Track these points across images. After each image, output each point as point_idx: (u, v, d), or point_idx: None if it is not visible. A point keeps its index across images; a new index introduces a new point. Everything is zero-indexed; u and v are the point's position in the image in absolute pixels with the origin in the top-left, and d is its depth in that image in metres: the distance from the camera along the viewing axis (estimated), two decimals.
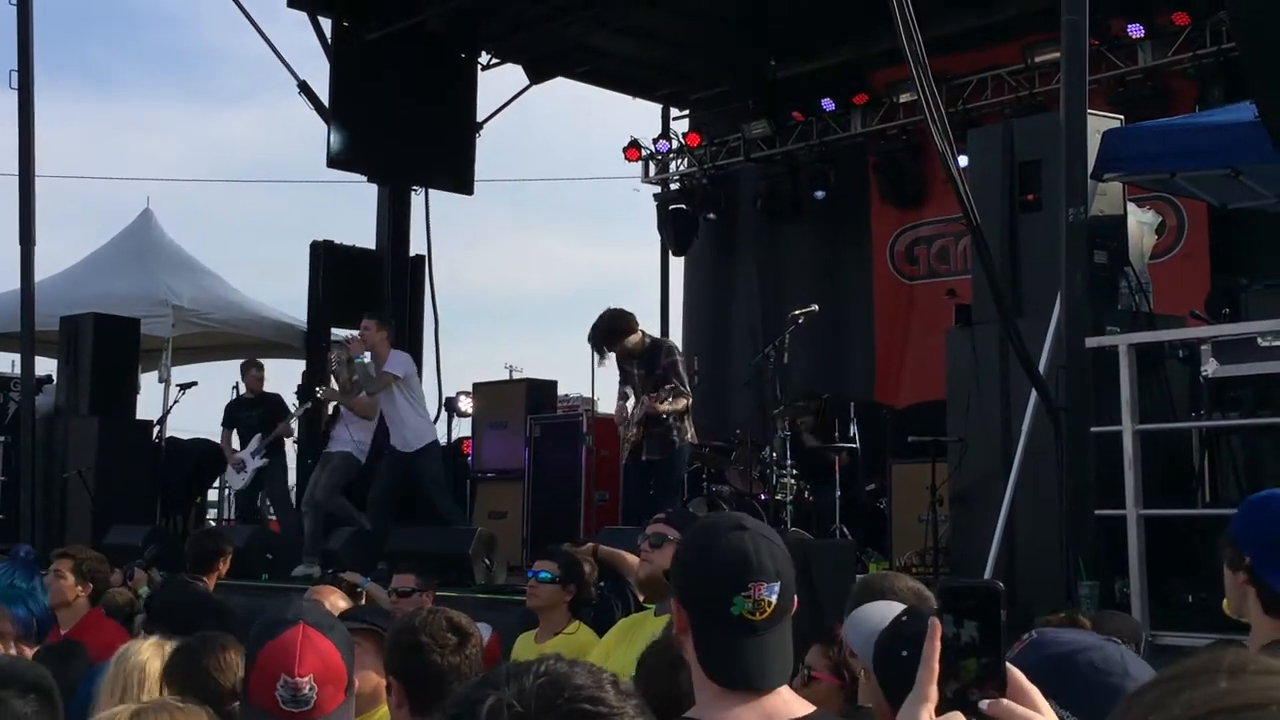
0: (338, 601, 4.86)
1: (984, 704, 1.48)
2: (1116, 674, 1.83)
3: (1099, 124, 7.20)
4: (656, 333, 16.89)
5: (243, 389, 12.30)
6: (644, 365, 8.93)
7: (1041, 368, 6.83)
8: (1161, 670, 1.14)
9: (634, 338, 8.97)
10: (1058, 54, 7.56)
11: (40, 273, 12.33)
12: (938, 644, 1.50)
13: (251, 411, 12.01)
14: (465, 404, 13.76)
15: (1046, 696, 1.52)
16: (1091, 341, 6.65)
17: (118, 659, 3.35)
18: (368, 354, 10.80)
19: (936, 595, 1.62)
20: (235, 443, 12.05)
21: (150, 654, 3.31)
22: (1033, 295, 7.31)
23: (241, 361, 12.76)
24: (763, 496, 10.17)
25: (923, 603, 3.05)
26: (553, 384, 13.63)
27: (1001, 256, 7.34)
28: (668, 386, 8.65)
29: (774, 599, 2.17)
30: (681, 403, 8.77)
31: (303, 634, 2.53)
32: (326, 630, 2.58)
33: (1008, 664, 1.51)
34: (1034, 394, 6.83)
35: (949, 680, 1.50)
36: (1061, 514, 6.61)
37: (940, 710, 1.49)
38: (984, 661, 1.50)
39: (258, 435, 11.78)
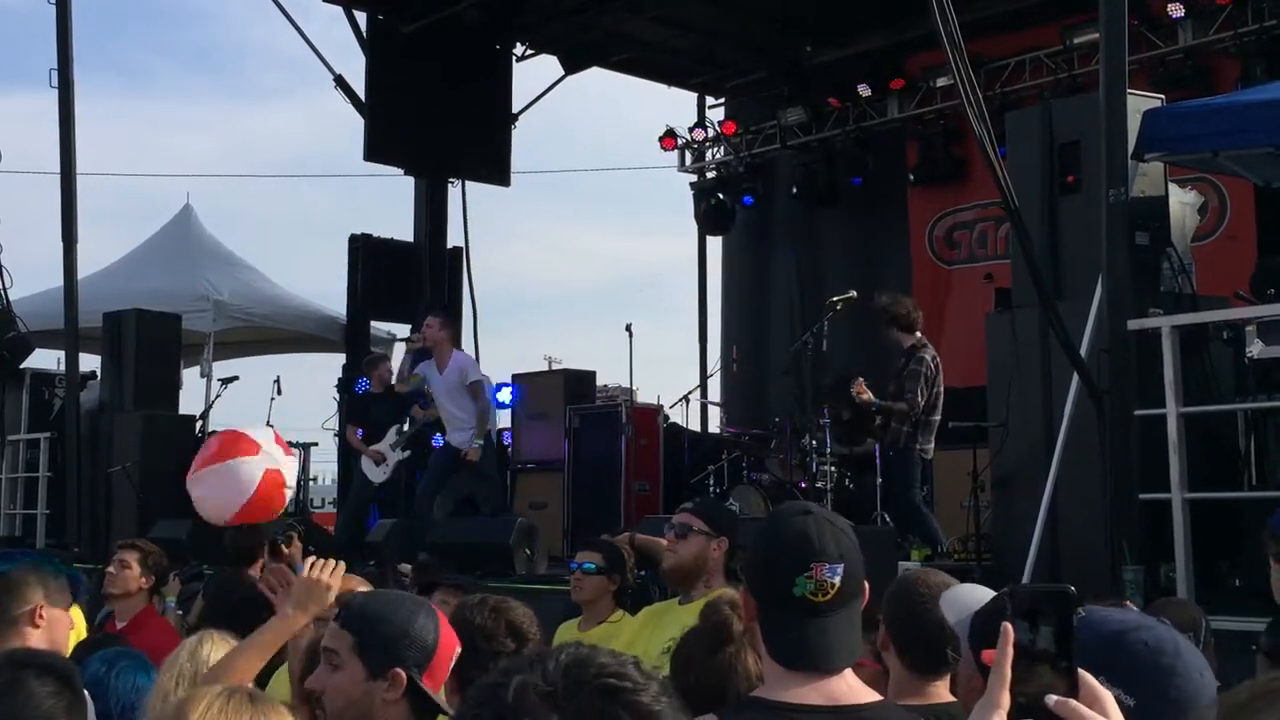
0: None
1: (1051, 700, 1.46)
2: (1169, 654, 1.81)
3: (1139, 104, 7.11)
4: (695, 322, 17.00)
5: (371, 385, 12.26)
6: (902, 358, 9.22)
7: (1083, 351, 6.77)
8: (1238, 691, 1.11)
9: (903, 335, 9.20)
10: (1096, 35, 7.48)
11: (82, 270, 12.46)
12: (1010, 650, 1.49)
13: (383, 405, 12.03)
14: (505, 395, 13.78)
15: (1096, 672, 1.50)
16: (1134, 324, 6.58)
17: (190, 653, 3.34)
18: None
19: (1008, 598, 1.60)
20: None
21: (222, 649, 3.31)
22: (1073, 278, 7.23)
23: (366, 358, 12.85)
24: (803, 484, 10.13)
25: None
26: (591, 374, 13.62)
27: (1041, 239, 7.28)
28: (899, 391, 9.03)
29: (837, 581, 2.18)
30: (898, 407, 8.99)
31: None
32: None
33: (1080, 670, 1.49)
34: (1075, 378, 6.77)
35: (1022, 685, 1.48)
36: (1105, 498, 6.55)
37: (1013, 717, 1.47)
38: (1058, 667, 1.48)
39: (394, 428, 11.79)
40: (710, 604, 3.51)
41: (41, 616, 3.40)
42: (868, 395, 9.08)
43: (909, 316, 9.24)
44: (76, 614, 4.34)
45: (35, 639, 3.38)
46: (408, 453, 11.70)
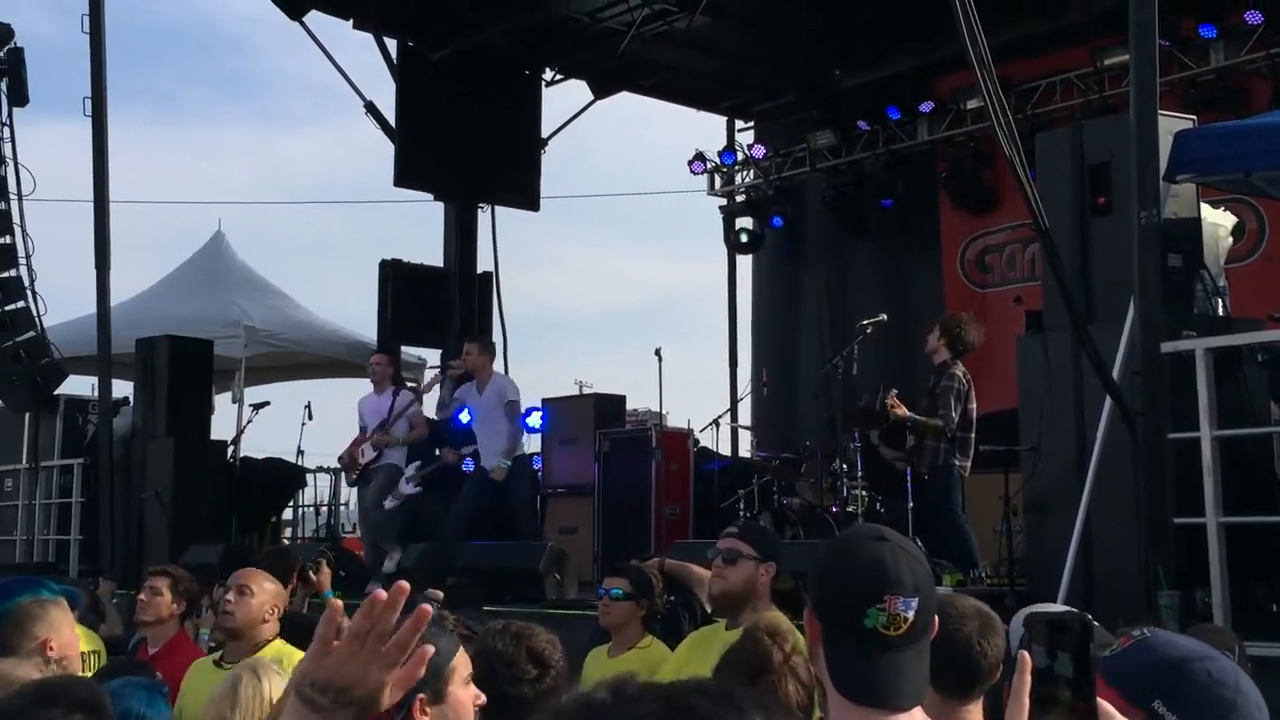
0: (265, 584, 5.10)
1: None
2: (1230, 687, 1.79)
3: (1170, 125, 7.07)
4: (725, 346, 16.99)
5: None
6: (933, 376, 9.21)
7: (1115, 374, 6.71)
8: None
9: (937, 352, 9.17)
10: (1127, 56, 7.44)
11: (115, 296, 12.56)
12: (1028, 678, 1.46)
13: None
14: (535, 420, 13.79)
15: (1154, 696, 1.49)
16: (1167, 346, 6.53)
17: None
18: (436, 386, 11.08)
19: (1025, 626, 1.58)
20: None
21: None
22: (1105, 300, 7.18)
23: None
24: (834, 508, 10.08)
25: (985, 620, 2.99)
26: (621, 399, 13.62)
27: (1073, 261, 7.23)
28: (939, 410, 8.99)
29: (910, 615, 2.06)
30: (932, 423, 8.96)
31: None
32: (432, 639, 2.58)
33: (1100, 700, 1.47)
34: (1108, 401, 6.71)
35: (1041, 713, 1.47)
36: (1139, 522, 6.49)
37: None
38: (1076, 693, 1.47)
39: (415, 464, 11.80)
40: (748, 632, 3.45)
41: (51, 647, 3.39)
42: (902, 410, 9.01)
43: (968, 343, 9.19)
44: (80, 630, 4.35)
45: (50, 671, 3.37)
46: (419, 489, 11.70)
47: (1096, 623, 1.55)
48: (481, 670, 3.26)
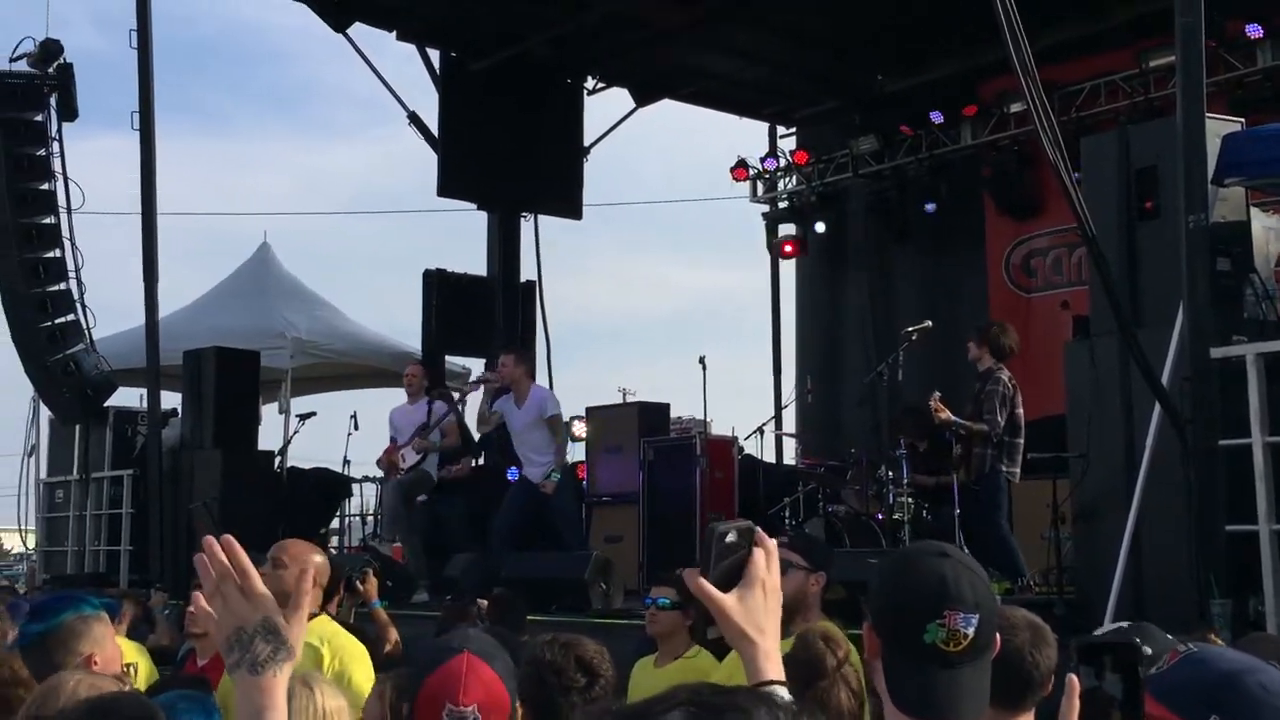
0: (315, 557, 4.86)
1: None
2: None
3: (1218, 127, 6.99)
4: (769, 353, 16.96)
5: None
6: (978, 383, 9.21)
7: (1164, 380, 6.65)
8: None
9: (980, 359, 9.16)
10: (1173, 58, 7.38)
11: (163, 308, 12.67)
12: (1076, 702, 1.46)
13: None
14: (579, 428, 13.80)
15: (1208, 711, 1.48)
16: (1217, 352, 6.46)
17: (314, 711, 3.35)
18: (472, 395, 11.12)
19: (1074, 650, 1.58)
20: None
21: (328, 695, 3.31)
22: (1153, 305, 7.11)
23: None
24: (879, 516, 10.04)
25: (1037, 632, 2.96)
26: (665, 406, 13.61)
27: (1120, 266, 7.17)
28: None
29: (970, 631, 2.04)
30: (977, 427, 8.92)
31: (467, 663, 2.53)
32: (490, 659, 2.58)
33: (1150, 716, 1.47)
34: (1157, 407, 6.65)
35: None
36: (1190, 530, 6.42)
37: None
38: (1126, 714, 1.47)
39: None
40: (802, 637, 3.43)
41: (96, 662, 3.42)
42: (946, 414, 8.93)
43: (1007, 347, 9.18)
44: (122, 641, 4.39)
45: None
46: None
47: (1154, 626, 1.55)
48: (530, 679, 3.27)
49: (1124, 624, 3.20)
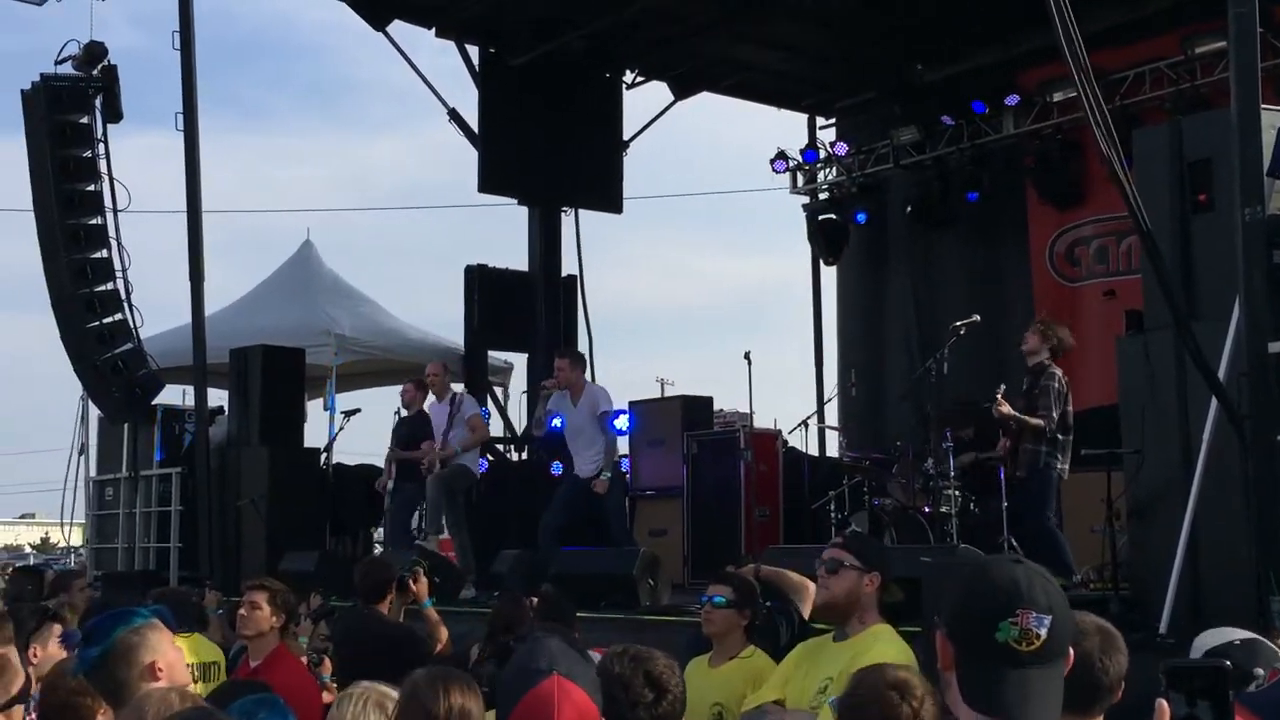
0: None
1: None
2: None
3: (1273, 119, 6.90)
4: (811, 347, 16.90)
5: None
6: (1029, 377, 9.21)
7: (1221, 375, 6.59)
8: None
9: (1037, 353, 9.15)
10: (1220, 44, 7.33)
11: (209, 306, 12.76)
12: None
13: (409, 424, 12.24)
14: (622, 422, 13.83)
15: None
16: (1274, 346, 6.40)
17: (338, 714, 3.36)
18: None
19: (1163, 674, 1.58)
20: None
21: (371, 707, 3.33)
22: (1208, 299, 7.04)
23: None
24: (926, 509, 10.00)
25: (1106, 637, 2.93)
26: (709, 400, 13.63)
27: (1173, 259, 7.10)
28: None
29: (1043, 632, 2.08)
30: (1034, 422, 8.91)
31: (558, 685, 2.54)
32: (579, 678, 2.59)
33: None
34: (1214, 402, 6.59)
35: None
36: (1249, 526, 6.36)
37: None
38: None
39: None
40: (871, 691, 3.12)
41: (160, 669, 3.47)
42: (1007, 408, 8.94)
43: (1065, 345, 9.20)
44: (183, 642, 4.42)
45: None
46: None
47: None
48: (601, 692, 3.27)
49: (1237, 639, 3.16)
